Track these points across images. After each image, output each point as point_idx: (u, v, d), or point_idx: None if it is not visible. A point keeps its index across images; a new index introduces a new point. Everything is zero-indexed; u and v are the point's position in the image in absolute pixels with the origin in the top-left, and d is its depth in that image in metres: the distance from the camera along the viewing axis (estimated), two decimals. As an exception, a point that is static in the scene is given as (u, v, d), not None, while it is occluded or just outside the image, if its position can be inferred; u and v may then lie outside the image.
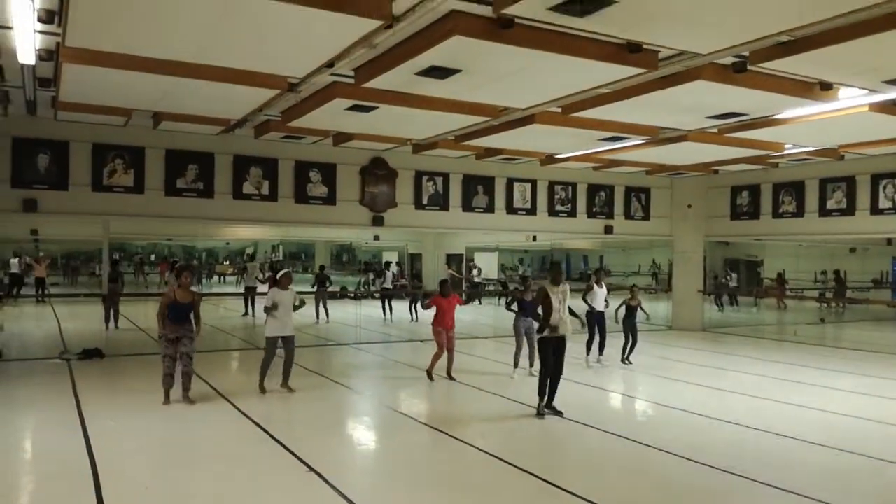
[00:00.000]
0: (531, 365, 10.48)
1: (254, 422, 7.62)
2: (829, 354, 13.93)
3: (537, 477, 5.89)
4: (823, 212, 15.02)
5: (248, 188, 13.15)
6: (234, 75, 8.28)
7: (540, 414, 7.97)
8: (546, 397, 8.04)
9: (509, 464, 6.27)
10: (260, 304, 11.47)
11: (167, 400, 8.32)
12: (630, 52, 7.19)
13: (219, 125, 11.64)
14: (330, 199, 13.86)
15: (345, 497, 5.33)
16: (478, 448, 6.81)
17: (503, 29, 6.53)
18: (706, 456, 6.51)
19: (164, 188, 12.48)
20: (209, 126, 11.72)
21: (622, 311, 11.88)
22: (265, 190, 13.28)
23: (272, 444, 6.84)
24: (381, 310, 19.50)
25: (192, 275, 8.89)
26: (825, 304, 24.75)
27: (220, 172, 12.92)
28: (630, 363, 11.80)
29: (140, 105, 10.36)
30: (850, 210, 14.53)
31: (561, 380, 8.16)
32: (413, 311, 18.93)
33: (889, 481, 6.10)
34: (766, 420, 8.01)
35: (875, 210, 14.06)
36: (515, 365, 10.64)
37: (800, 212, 15.51)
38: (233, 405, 8.35)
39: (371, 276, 25.00)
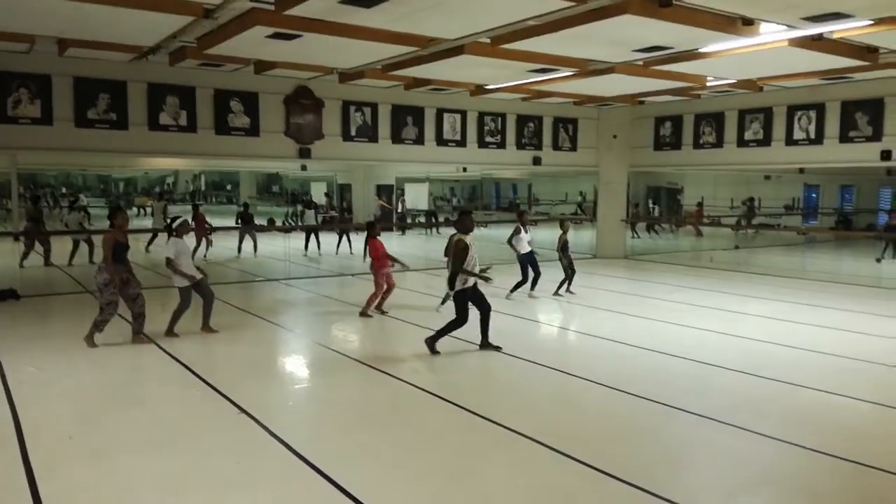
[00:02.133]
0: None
1: (182, 363, 7.51)
2: (743, 280, 14.65)
3: (469, 411, 6.05)
4: (742, 142, 15.52)
5: (164, 119, 12.56)
6: (145, 1, 7.78)
7: (434, 351, 7.99)
8: (440, 336, 8.03)
9: (443, 399, 6.42)
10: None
11: (94, 343, 8.09)
12: (559, -16, 7.09)
13: (130, 52, 10.98)
14: (253, 131, 13.40)
15: (278, 438, 5.35)
16: (411, 384, 6.93)
17: (431, -42, 6.32)
18: (630, 384, 6.81)
19: (75, 119, 11.79)
20: (120, 53, 11.04)
21: (559, 244, 12.23)
22: (183, 121, 12.71)
23: (202, 386, 6.77)
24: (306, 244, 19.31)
25: (126, 217, 8.51)
26: (739, 231, 25.89)
27: (134, 102, 12.26)
28: (573, 293, 12.17)
29: (43, 31, 9.64)
30: (766, 141, 15.05)
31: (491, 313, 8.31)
32: (349, 244, 18.83)
33: (798, 404, 6.51)
34: (685, 347, 8.42)
35: (790, 141, 14.61)
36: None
37: (719, 142, 15.98)
38: (159, 347, 8.20)
39: (300, 207, 24.68)
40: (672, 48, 10.07)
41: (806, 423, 5.95)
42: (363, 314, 10.24)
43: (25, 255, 15.01)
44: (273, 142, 13.68)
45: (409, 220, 27.65)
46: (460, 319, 7.94)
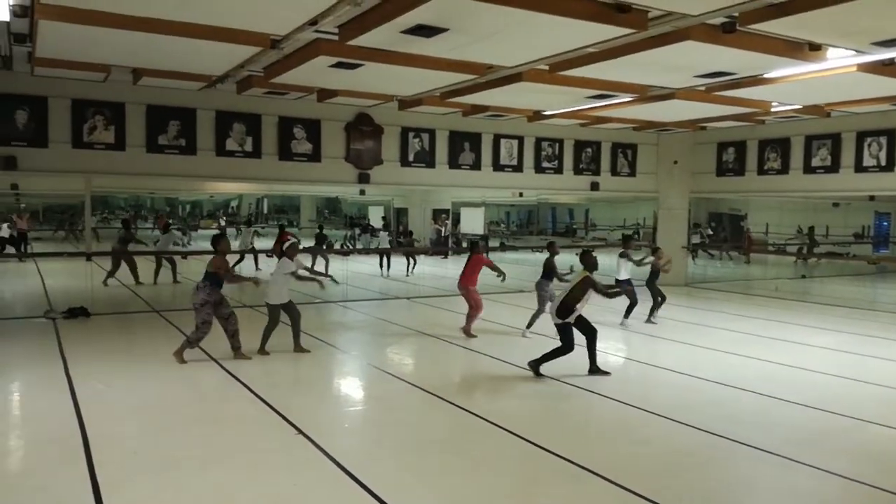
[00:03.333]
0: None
1: (242, 383, 7.68)
2: (809, 310, 14.15)
3: (527, 440, 5.99)
4: (808, 169, 15.08)
5: (231, 145, 12.99)
6: (216, 32, 8.09)
7: (538, 374, 8.18)
8: (544, 361, 8.20)
9: (499, 426, 6.36)
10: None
11: (183, 359, 8.45)
12: (619, 11, 7.08)
13: (200, 81, 11.43)
14: (315, 156, 13.73)
15: (333, 459, 5.41)
16: (467, 410, 6.90)
17: (491, -12, 6.41)
18: (689, 416, 6.65)
19: (146, 145, 12.30)
20: (190, 82, 11.49)
21: (649, 270, 12.27)
22: (248, 146, 13.13)
23: (261, 406, 6.89)
24: (377, 265, 19.98)
25: (229, 244, 8.98)
26: (803, 259, 25.01)
27: (203, 129, 12.73)
28: (654, 323, 12.04)
29: (119, 61, 10.13)
30: (834, 167, 14.59)
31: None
32: (405, 266, 19.64)
33: (865, 440, 6.26)
34: (747, 378, 8.18)
35: (859, 168, 14.13)
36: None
37: (785, 169, 15.56)
38: (221, 366, 8.39)
39: (357, 231, 25.06)
40: (735, 74, 9.90)
41: (872, 460, 5.70)
42: (468, 334, 10.46)
43: (133, 272, 15.84)
44: (334, 167, 13.98)
45: (463, 245, 27.69)
46: (566, 347, 8.14)
